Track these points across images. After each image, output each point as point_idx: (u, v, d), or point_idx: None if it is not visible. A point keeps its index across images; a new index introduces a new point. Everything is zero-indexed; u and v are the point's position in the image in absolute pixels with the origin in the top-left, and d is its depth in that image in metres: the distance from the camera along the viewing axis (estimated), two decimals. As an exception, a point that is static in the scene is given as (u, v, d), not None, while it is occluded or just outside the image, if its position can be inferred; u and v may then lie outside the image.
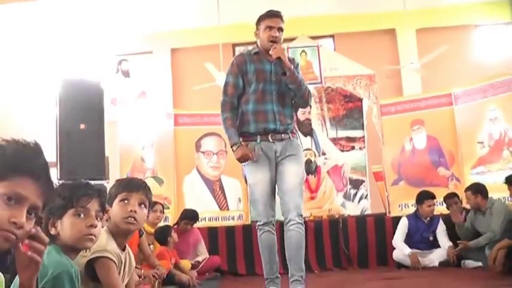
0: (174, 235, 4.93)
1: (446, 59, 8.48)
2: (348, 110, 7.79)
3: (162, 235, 4.87)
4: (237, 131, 3.37)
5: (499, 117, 6.22)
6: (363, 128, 7.71)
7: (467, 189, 5.37)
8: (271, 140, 3.31)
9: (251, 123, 3.33)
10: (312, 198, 7.44)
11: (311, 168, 7.56)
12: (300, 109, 7.71)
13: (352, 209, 7.56)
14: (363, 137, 7.70)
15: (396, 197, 6.69)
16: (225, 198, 6.72)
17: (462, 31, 9.78)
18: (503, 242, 4.34)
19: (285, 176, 3.28)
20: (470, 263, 5.11)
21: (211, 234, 6.02)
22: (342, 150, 7.77)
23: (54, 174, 5.83)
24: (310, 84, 7.08)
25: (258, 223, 3.33)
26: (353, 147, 7.79)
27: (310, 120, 7.77)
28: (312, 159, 7.61)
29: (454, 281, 4.10)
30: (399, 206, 6.66)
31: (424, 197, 5.68)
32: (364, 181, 7.69)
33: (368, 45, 9.70)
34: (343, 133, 7.82)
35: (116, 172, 6.06)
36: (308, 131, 7.78)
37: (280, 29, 3.34)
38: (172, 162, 6.61)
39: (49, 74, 9.10)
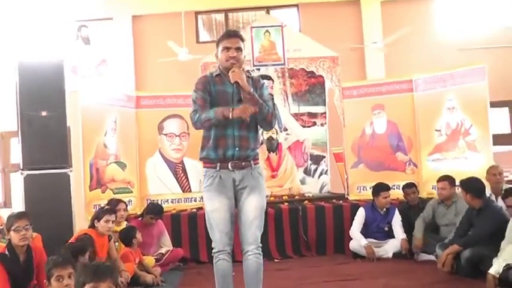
0: (139, 236, 5.00)
1: (409, 39, 8.52)
2: (311, 85, 7.83)
3: (127, 237, 4.95)
4: (200, 155, 3.30)
5: (456, 107, 6.39)
6: (324, 104, 7.80)
7: (446, 178, 5.47)
8: (230, 168, 3.22)
9: (211, 149, 3.24)
10: (273, 176, 7.57)
11: (272, 146, 7.66)
12: (263, 84, 7.75)
13: (312, 185, 7.77)
14: (325, 113, 7.81)
15: (355, 179, 6.90)
16: (188, 180, 6.78)
17: (426, 4, 9.76)
18: (452, 247, 4.58)
19: (244, 208, 3.24)
20: (423, 256, 5.37)
21: (174, 220, 6.11)
22: (304, 126, 7.88)
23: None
24: (273, 65, 7.15)
25: (213, 250, 3.26)
26: (314, 123, 7.90)
27: (272, 95, 7.78)
28: (274, 136, 7.69)
29: (410, 287, 4.32)
30: (357, 188, 6.89)
31: (380, 189, 5.87)
32: (324, 157, 7.86)
33: (333, 16, 9.63)
34: (305, 109, 7.90)
35: (78, 159, 5.98)
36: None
37: (239, 49, 3.23)
38: (135, 146, 6.60)
39: (7, 46, 8.84)
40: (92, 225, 4.59)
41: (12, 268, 3.47)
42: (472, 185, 4.74)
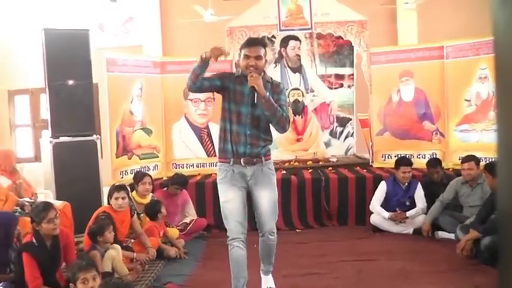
0: (163, 210, 5.14)
1: (445, 1, 8.14)
2: (338, 46, 7.70)
3: (152, 211, 5.09)
4: (218, 146, 3.67)
5: (488, 77, 6.17)
6: (352, 66, 7.68)
7: (472, 158, 5.37)
8: (243, 164, 3.48)
9: (227, 142, 3.53)
10: (298, 140, 7.59)
11: (298, 109, 7.64)
12: (290, 44, 7.67)
13: (338, 147, 7.79)
14: (352, 74, 7.70)
15: (380, 147, 6.86)
16: (213, 144, 6.83)
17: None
18: (472, 233, 4.58)
19: (259, 201, 3.55)
20: (443, 234, 5.39)
21: (198, 188, 6.22)
22: (331, 88, 7.83)
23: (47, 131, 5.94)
24: (300, 30, 7.01)
25: (228, 238, 3.53)
26: (341, 85, 7.83)
27: (299, 56, 7.71)
28: (300, 99, 7.66)
29: (426, 273, 4.34)
30: (382, 156, 6.85)
31: (400, 163, 5.84)
32: (350, 119, 7.83)
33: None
34: (332, 70, 7.83)
35: (105, 125, 6.08)
36: (297, 67, 7.77)
37: (259, 57, 3.44)
38: (161, 111, 6.66)
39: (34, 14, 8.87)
40: (109, 202, 4.75)
41: (40, 256, 3.62)
42: None
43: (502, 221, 0.94)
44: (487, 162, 4.88)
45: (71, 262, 3.80)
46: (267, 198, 3.55)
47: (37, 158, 9.22)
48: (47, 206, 3.70)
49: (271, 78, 3.66)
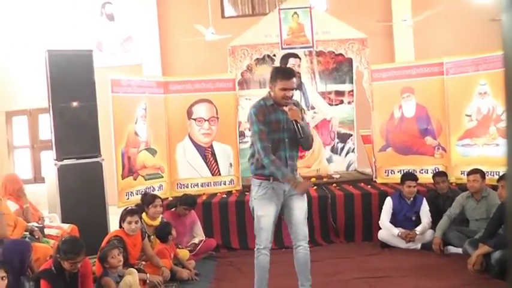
0: (174, 232, 5.14)
1: (440, 16, 8.26)
2: (338, 63, 7.79)
3: (163, 233, 5.08)
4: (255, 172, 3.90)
5: (488, 93, 6.27)
6: (352, 82, 7.76)
7: (477, 171, 5.46)
8: (281, 181, 3.79)
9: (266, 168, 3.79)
10: (301, 157, 7.58)
11: (300, 126, 7.65)
12: (290, 62, 7.75)
13: (339, 163, 7.84)
14: (352, 91, 7.78)
15: (383, 163, 6.91)
16: (217, 163, 6.84)
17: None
18: (482, 248, 4.60)
19: (294, 211, 3.89)
20: (451, 249, 5.41)
21: (205, 208, 6.21)
22: (331, 104, 7.89)
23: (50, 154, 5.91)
24: (301, 48, 7.08)
25: (257, 246, 3.90)
26: (342, 101, 7.91)
27: (299, 73, 7.76)
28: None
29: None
30: (385, 172, 6.90)
31: (405, 177, 5.90)
32: (351, 135, 7.90)
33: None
34: (332, 87, 7.91)
35: (110, 146, 6.04)
36: (298, 85, 7.78)
37: (294, 89, 3.81)
38: (165, 131, 6.66)
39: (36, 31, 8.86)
40: (121, 226, 4.72)
41: (58, 284, 3.58)
42: None
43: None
44: (503, 174, 4.92)
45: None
46: (301, 208, 3.90)
47: (36, 179, 9.18)
48: (78, 250, 3.64)
49: (297, 101, 3.98)
